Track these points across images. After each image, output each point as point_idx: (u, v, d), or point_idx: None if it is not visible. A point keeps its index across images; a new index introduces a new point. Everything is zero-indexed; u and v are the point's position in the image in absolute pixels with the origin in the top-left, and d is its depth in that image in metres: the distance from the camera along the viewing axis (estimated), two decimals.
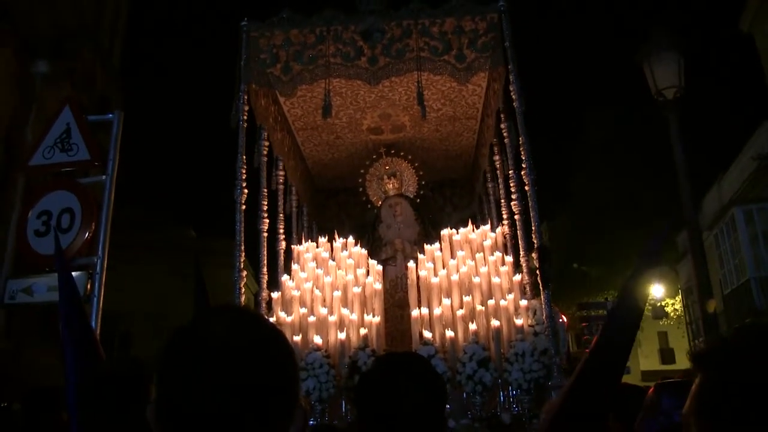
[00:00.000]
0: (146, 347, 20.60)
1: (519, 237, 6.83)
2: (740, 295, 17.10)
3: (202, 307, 3.12)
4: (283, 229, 7.77)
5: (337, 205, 10.20)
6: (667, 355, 32.31)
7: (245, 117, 6.64)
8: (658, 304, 25.48)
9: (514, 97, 6.41)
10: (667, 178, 17.89)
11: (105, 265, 5.37)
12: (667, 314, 26.51)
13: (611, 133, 24.21)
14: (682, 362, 29.01)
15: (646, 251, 2.50)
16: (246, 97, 6.69)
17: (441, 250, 7.42)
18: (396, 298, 7.73)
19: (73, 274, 5.20)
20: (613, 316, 2.52)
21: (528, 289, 6.72)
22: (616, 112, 24.15)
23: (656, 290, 24.35)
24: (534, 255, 6.00)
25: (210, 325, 1.30)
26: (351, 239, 7.93)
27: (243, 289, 6.14)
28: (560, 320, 6.32)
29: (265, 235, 6.89)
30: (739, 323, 17.30)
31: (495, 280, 6.66)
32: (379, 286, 6.84)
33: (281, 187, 7.94)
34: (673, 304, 26.13)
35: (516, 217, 6.77)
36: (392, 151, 9.07)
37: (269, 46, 6.81)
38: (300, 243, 8.28)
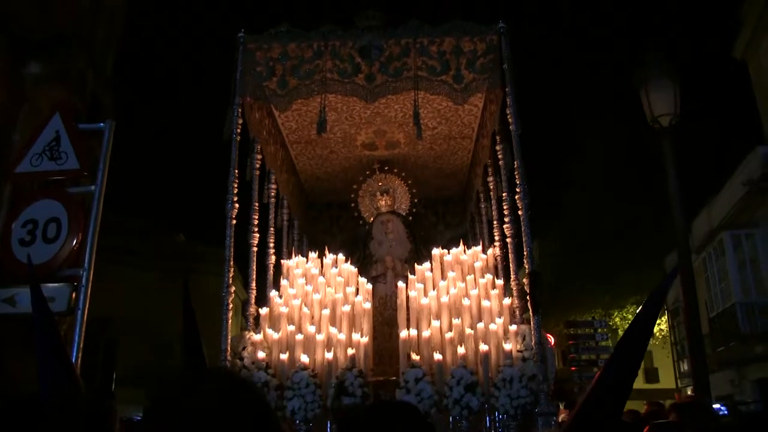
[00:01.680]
0: (132, 353, 20.46)
1: (510, 260, 6.80)
2: (725, 319, 17.14)
3: (190, 329, 3.05)
4: (274, 243, 7.69)
5: (328, 219, 10.15)
6: (651, 374, 32.31)
7: (238, 130, 6.57)
8: None
9: (510, 119, 6.37)
10: (658, 197, 17.97)
11: (91, 277, 5.28)
12: (653, 334, 26.56)
13: (605, 153, 24.29)
14: (666, 382, 29.07)
15: (654, 297, 2.48)
16: (240, 110, 6.62)
17: (431, 270, 7.36)
18: (385, 316, 7.69)
19: (58, 285, 5.15)
20: (616, 356, 2.48)
21: (518, 313, 6.68)
22: (610, 133, 24.22)
23: None
24: (525, 280, 5.95)
25: (193, 393, 1.26)
26: (341, 256, 7.87)
27: (231, 305, 6.05)
28: (549, 346, 6.27)
29: (255, 249, 6.81)
30: (724, 347, 17.34)
31: (485, 303, 6.61)
32: (368, 305, 6.78)
33: (273, 200, 7.87)
34: (658, 324, 26.16)
35: (508, 240, 6.73)
36: (386, 168, 9.03)
37: (266, 59, 6.75)
38: (290, 257, 8.22)
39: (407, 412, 2.02)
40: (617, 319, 25.83)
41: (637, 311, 2.51)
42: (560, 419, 6.85)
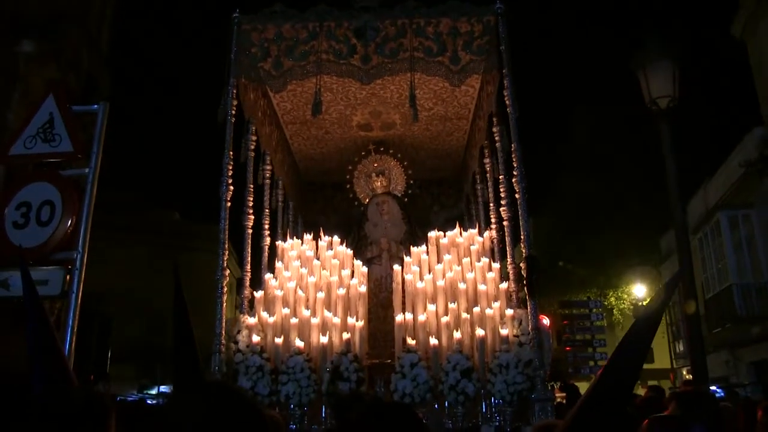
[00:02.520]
0: (125, 329, 20.48)
1: (507, 243, 6.76)
2: (722, 300, 17.13)
3: (180, 315, 2.99)
4: (269, 224, 7.65)
5: (323, 200, 10.11)
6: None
7: (233, 111, 6.50)
8: (640, 303, 25.56)
9: (507, 102, 6.31)
10: (654, 177, 17.93)
11: (85, 260, 5.24)
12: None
13: (599, 133, 24.22)
14: (661, 362, 29.18)
15: (658, 299, 2.46)
16: (235, 91, 6.55)
17: (427, 253, 7.33)
18: (380, 298, 7.66)
19: (51, 268, 5.11)
20: (620, 352, 2.46)
21: (514, 297, 6.65)
22: (605, 113, 24.15)
23: (638, 290, 24.45)
24: (522, 265, 5.92)
25: (187, 406, 1.22)
26: (336, 238, 7.82)
27: (225, 289, 6.02)
28: (546, 331, 6.25)
29: (250, 231, 6.76)
30: (720, 328, 17.39)
31: (481, 287, 6.58)
32: (363, 288, 6.75)
33: (267, 181, 7.82)
34: None
35: (504, 223, 6.69)
36: (381, 149, 8.97)
37: (261, 39, 6.67)
38: (285, 238, 8.17)
39: (403, 416, 1.99)
40: (612, 299, 25.87)
41: (641, 309, 2.48)
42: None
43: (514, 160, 6.20)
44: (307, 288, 6.84)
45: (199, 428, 1.20)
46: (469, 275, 6.80)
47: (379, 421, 1.89)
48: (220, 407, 1.25)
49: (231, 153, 6.40)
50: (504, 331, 6.02)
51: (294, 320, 6.31)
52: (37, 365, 2.85)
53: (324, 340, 6.08)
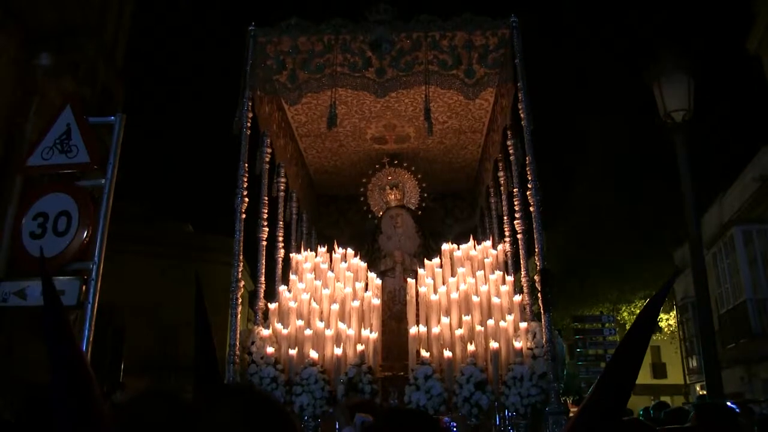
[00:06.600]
0: (138, 341, 20.51)
1: (521, 256, 6.75)
2: (736, 316, 16.98)
3: (202, 327, 2.99)
4: (283, 236, 7.66)
5: (337, 212, 10.12)
6: (659, 369, 32.23)
7: (248, 123, 6.53)
8: None
9: (522, 115, 6.31)
10: (668, 191, 17.83)
11: (101, 271, 5.27)
12: (660, 329, 26.45)
13: (614, 146, 24.18)
14: (674, 377, 28.98)
15: (653, 302, 2.47)
16: (250, 103, 6.58)
17: (441, 265, 7.32)
18: (393, 311, 7.68)
19: (68, 278, 5.14)
20: (615, 359, 2.47)
21: (528, 310, 6.63)
22: (620, 125, 24.11)
23: None
24: (536, 278, 5.90)
25: (216, 411, 1.23)
26: (350, 251, 7.83)
27: (240, 300, 6.03)
28: (561, 346, 6.23)
29: (264, 243, 6.78)
30: (734, 344, 17.24)
31: (495, 300, 6.57)
32: (377, 301, 6.75)
33: (282, 194, 7.84)
34: (667, 320, 26.07)
35: (518, 236, 6.68)
36: (395, 162, 8.99)
37: (276, 52, 6.71)
38: (299, 251, 8.19)
39: (421, 421, 1.99)
40: (625, 314, 25.75)
41: (636, 317, 2.50)
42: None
43: (528, 173, 6.20)
44: (321, 300, 6.85)
45: (229, 429, 1.20)
46: (483, 288, 6.79)
47: (399, 427, 1.90)
48: (248, 409, 1.26)
49: (246, 165, 6.43)
50: (518, 344, 6.01)
51: (308, 332, 6.33)
52: (60, 378, 2.80)
53: (338, 351, 6.09)
